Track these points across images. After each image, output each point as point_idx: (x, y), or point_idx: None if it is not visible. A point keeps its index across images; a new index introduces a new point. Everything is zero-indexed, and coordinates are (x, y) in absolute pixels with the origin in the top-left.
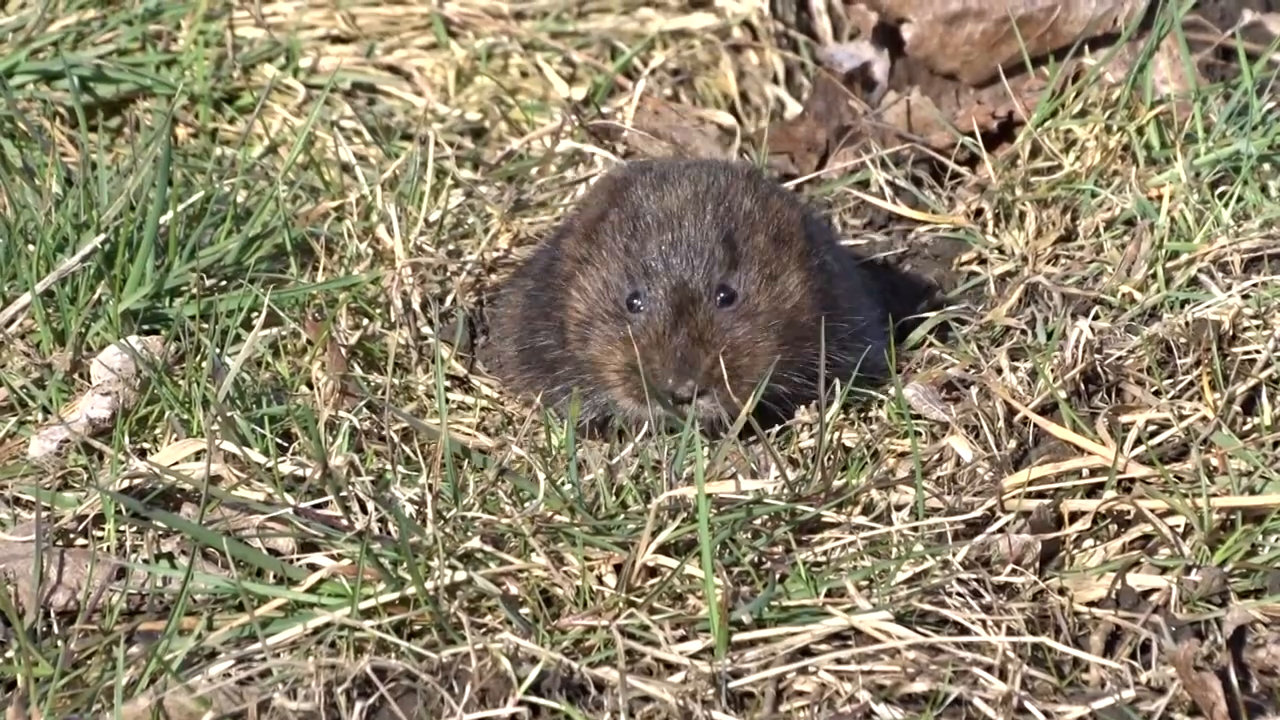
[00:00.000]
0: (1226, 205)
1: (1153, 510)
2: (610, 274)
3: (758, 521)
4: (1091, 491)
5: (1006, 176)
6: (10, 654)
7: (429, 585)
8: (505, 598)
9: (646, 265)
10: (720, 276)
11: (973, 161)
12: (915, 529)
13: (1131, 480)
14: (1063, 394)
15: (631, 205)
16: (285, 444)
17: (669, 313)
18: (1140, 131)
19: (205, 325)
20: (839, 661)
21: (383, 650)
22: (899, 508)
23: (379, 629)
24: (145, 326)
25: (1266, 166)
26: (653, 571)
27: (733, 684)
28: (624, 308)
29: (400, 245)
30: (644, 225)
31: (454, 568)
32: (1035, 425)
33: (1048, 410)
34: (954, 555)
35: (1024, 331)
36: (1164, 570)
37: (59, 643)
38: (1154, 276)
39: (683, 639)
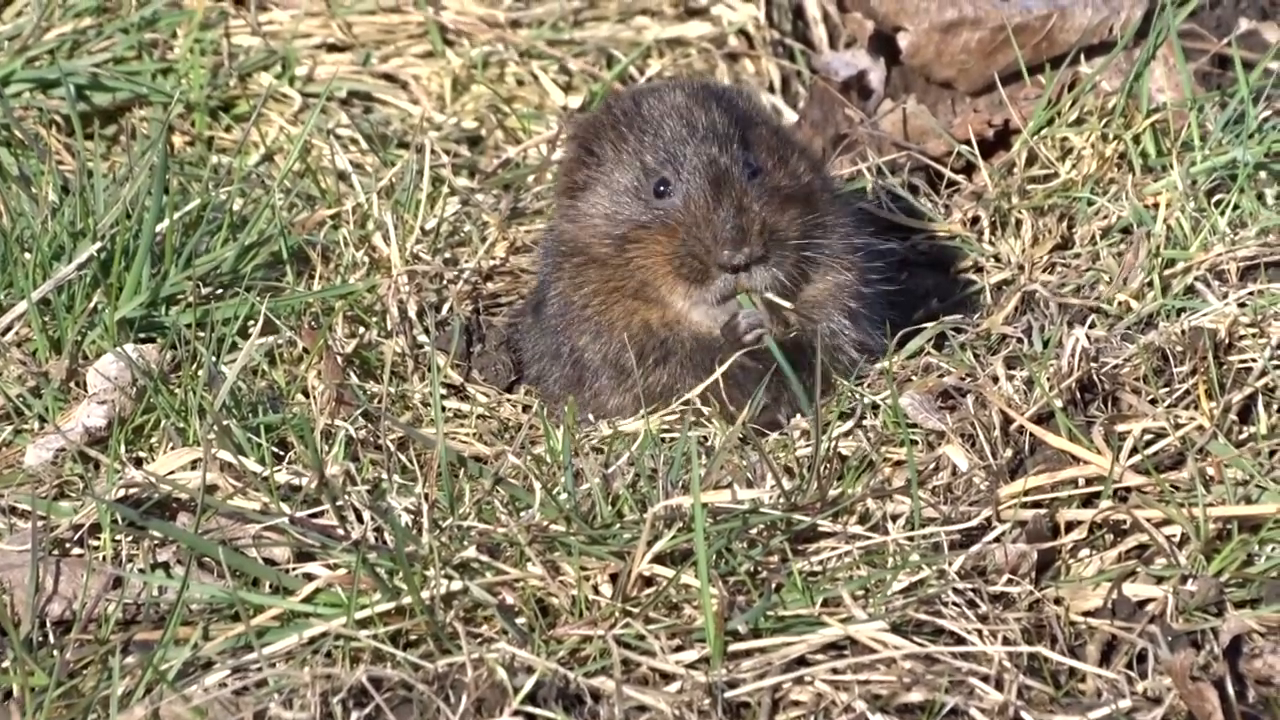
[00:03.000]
0: (1223, 213)
1: (1149, 520)
2: (624, 175)
3: (754, 531)
4: (1087, 501)
5: (1003, 185)
6: (6, 664)
7: (425, 595)
8: (501, 607)
9: (669, 153)
10: (742, 154)
11: (969, 170)
12: (911, 538)
13: (1127, 489)
14: (1059, 403)
15: (627, 116)
16: (281, 453)
17: (707, 188)
18: (1136, 140)
19: (201, 334)
20: (835, 671)
21: (379, 660)
22: (895, 517)
23: (375, 638)
24: (141, 335)
25: (1263, 174)
26: (649, 581)
27: (728, 694)
28: (651, 198)
29: (396, 253)
30: (652, 123)
31: (450, 577)
32: (1031, 434)
33: (1044, 419)
34: (950, 565)
35: (1020, 340)
36: (1160, 580)
37: (55, 652)
38: (1150, 285)
39: (678, 648)
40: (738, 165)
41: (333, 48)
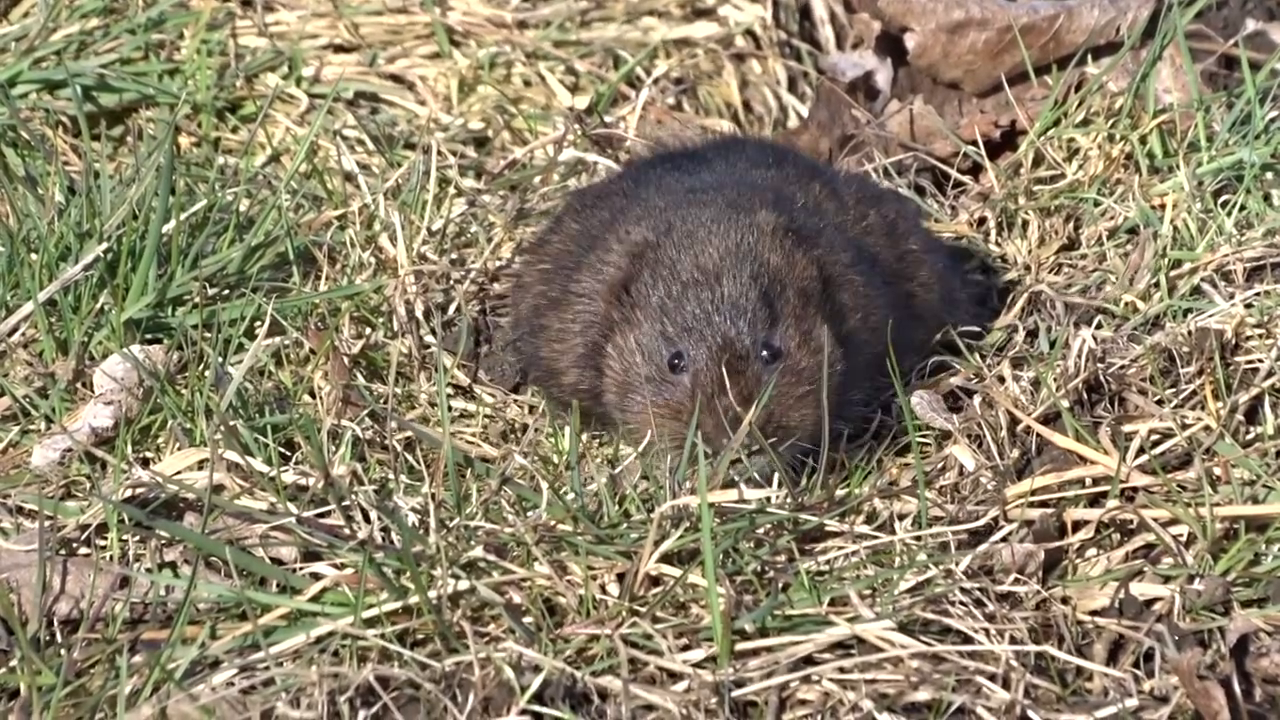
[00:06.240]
0: (1229, 214)
1: (1155, 519)
2: (646, 335)
3: (761, 530)
4: (1094, 501)
5: (1009, 185)
6: (13, 663)
7: (432, 594)
8: (508, 606)
9: (687, 325)
10: (764, 334)
11: (975, 170)
12: (918, 538)
13: (1134, 489)
14: (1065, 403)
15: (663, 265)
16: (288, 453)
17: (717, 373)
18: (1143, 140)
19: (208, 334)
20: (842, 670)
21: (386, 659)
22: (902, 517)
23: (382, 638)
24: (148, 335)
25: (1269, 175)
26: (655, 580)
27: (736, 693)
28: (665, 369)
29: (403, 254)
30: (680, 282)
31: (457, 576)
32: (1038, 434)
33: (1050, 419)
34: (957, 564)
35: (1027, 340)
36: (1167, 579)
37: (62, 652)
38: (1157, 285)
39: (686, 648)
40: (756, 347)
41: (339, 48)
